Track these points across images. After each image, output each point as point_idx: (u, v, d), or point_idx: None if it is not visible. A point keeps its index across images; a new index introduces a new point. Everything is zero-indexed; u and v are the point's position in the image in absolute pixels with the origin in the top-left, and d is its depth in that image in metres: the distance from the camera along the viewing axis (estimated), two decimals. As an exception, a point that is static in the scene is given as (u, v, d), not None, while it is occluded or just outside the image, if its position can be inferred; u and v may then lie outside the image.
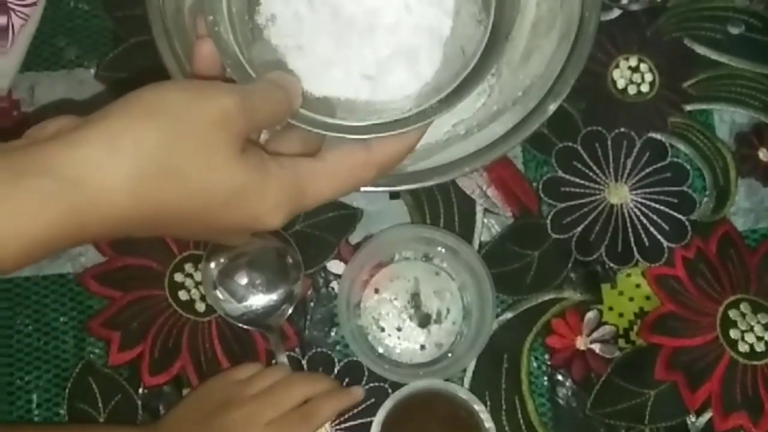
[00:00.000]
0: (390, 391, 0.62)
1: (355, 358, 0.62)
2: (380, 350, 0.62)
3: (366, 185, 0.46)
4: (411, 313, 0.63)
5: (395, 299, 0.64)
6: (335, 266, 0.64)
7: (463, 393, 0.58)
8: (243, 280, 0.62)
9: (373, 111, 0.50)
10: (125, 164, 0.37)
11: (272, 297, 0.62)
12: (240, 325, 0.62)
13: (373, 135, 0.45)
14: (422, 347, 0.63)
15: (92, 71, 0.67)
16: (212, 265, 0.62)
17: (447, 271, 0.64)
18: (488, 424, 0.58)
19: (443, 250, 0.63)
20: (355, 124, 0.46)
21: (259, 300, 0.62)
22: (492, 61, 0.48)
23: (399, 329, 0.63)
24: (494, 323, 0.63)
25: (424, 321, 0.63)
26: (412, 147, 0.47)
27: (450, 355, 0.62)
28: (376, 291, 0.64)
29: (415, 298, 0.64)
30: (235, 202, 0.40)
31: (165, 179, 0.38)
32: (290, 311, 0.62)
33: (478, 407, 0.58)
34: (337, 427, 0.61)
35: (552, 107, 0.56)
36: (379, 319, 0.63)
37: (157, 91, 0.40)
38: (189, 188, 0.39)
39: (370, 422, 0.60)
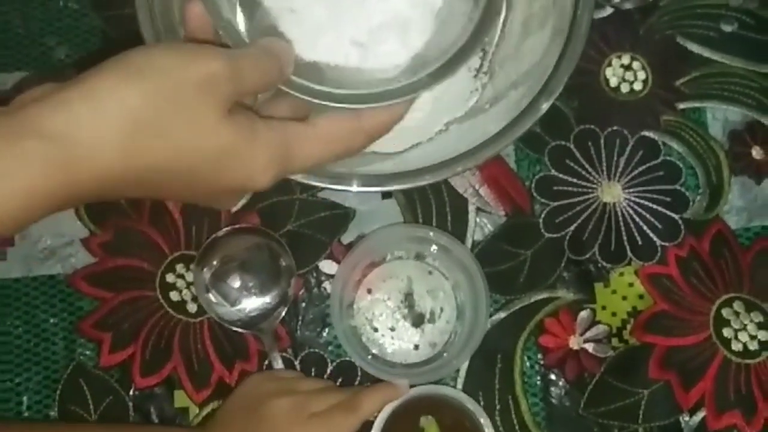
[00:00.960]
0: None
1: (348, 359, 0.62)
2: (374, 350, 0.62)
3: (354, 152, 0.47)
4: (404, 313, 0.63)
5: (388, 299, 0.63)
6: (327, 266, 0.64)
7: (471, 404, 0.58)
8: (236, 283, 0.62)
9: (363, 80, 0.50)
10: (111, 122, 0.37)
11: (266, 300, 0.62)
12: (234, 328, 0.61)
13: (363, 105, 0.45)
14: (416, 347, 0.63)
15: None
16: (204, 268, 0.62)
17: (440, 270, 0.64)
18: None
19: (436, 250, 0.62)
20: (346, 92, 0.46)
21: (252, 303, 0.62)
22: (482, 37, 0.48)
23: (392, 329, 0.63)
24: (487, 323, 0.62)
25: (417, 320, 0.63)
26: (401, 117, 0.47)
27: (444, 354, 0.62)
28: (369, 291, 0.63)
29: (408, 298, 0.63)
30: (224, 162, 0.40)
31: (152, 138, 0.38)
32: (284, 313, 0.62)
33: (485, 421, 0.58)
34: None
35: (545, 106, 0.56)
36: (372, 319, 0.63)
37: (145, 52, 0.40)
38: (176, 148, 0.39)
39: (364, 422, 0.60)
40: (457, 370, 0.62)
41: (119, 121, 0.37)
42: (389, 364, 0.62)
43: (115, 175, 0.38)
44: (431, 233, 0.61)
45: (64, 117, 0.36)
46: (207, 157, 0.40)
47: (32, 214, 0.37)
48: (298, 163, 0.44)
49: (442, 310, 0.63)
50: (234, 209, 0.64)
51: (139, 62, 0.39)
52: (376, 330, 0.63)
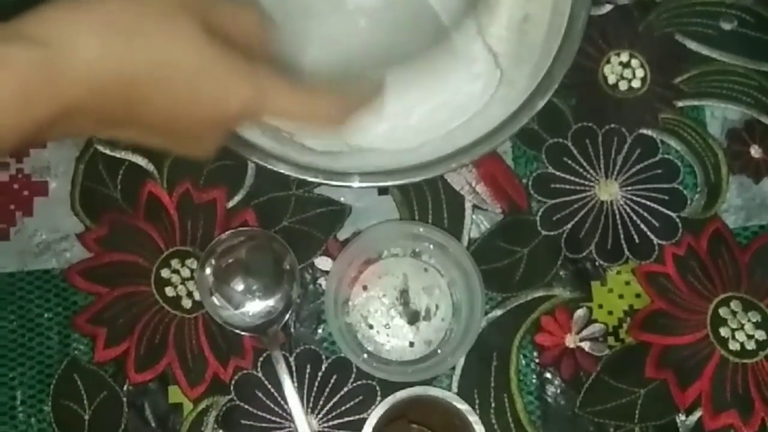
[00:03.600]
0: (378, 389, 0.61)
1: (343, 356, 0.62)
2: (369, 348, 0.62)
3: (330, 126, 0.47)
4: (400, 310, 0.63)
5: (384, 296, 0.63)
6: (323, 263, 0.64)
7: (459, 402, 0.58)
8: (239, 287, 0.62)
9: None
10: (90, 25, 0.38)
11: (269, 303, 0.62)
12: (238, 331, 0.61)
13: None
14: (411, 344, 0.63)
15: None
16: (207, 271, 0.62)
17: (436, 268, 0.63)
18: None
19: (432, 247, 0.62)
20: None
21: (255, 306, 0.62)
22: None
23: (387, 326, 0.62)
24: (483, 320, 0.62)
25: (412, 318, 0.63)
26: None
27: (439, 352, 0.62)
28: (365, 288, 0.63)
29: (403, 295, 0.63)
30: (203, 79, 0.40)
31: (130, 42, 0.38)
32: (288, 316, 0.62)
33: (473, 418, 0.58)
34: (325, 423, 0.61)
35: (540, 103, 0.56)
36: (368, 316, 0.63)
37: None
38: (156, 57, 0.39)
39: (358, 420, 0.60)
40: (453, 368, 0.62)
41: (97, 25, 0.38)
42: (384, 361, 0.62)
43: (96, 82, 0.38)
44: (427, 230, 0.61)
45: (45, 21, 0.37)
46: (187, 71, 0.40)
47: (20, 122, 0.37)
48: (271, 105, 0.43)
49: (437, 307, 0.63)
50: (229, 205, 0.64)
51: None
52: (371, 327, 0.63)
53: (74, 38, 0.37)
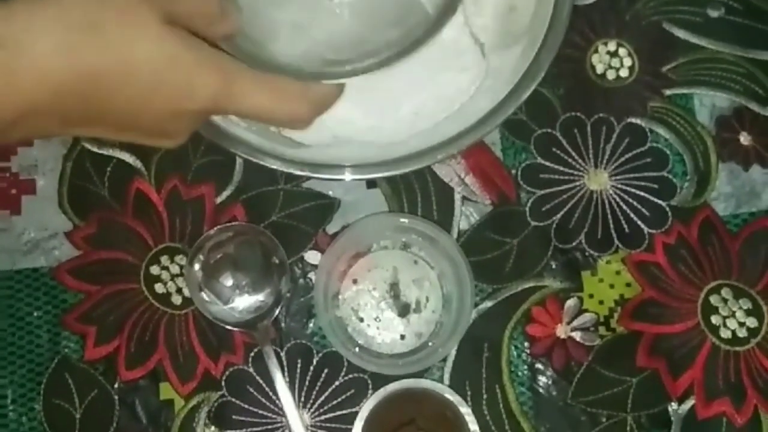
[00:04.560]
0: (370, 382, 0.61)
1: (334, 350, 0.62)
2: (360, 341, 0.62)
3: (295, 120, 0.47)
4: (390, 303, 0.63)
5: (374, 289, 0.63)
6: (312, 257, 0.63)
7: (450, 394, 0.58)
8: (228, 282, 0.62)
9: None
10: (49, 22, 0.37)
11: (259, 297, 0.62)
12: (228, 327, 0.61)
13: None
14: (402, 337, 0.62)
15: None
16: (196, 267, 0.61)
17: (425, 260, 0.63)
18: (473, 426, 0.57)
19: (421, 239, 0.62)
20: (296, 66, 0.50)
21: (245, 301, 0.62)
22: (437, 28, 0.48)
23: (378, 319, 0.62)
24: (474, 312, 0.62)
25: (403, 310, 0.63)
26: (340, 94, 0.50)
27: (430, 344, 0.61)
28: (354, 281, 0.63)
29: (393, 288, 0.63)
30: (166, 73, 0.40)
31: (90, 38, 0.38)
32: (278, 311, 0.61)
33: (465, 410, 0.57)
34: (317, 417, 0.61)
35: (527, 92, 0.56)
36: (358, 309, 0.62)
37: None
38: (117, 52, 0.39)
39: (350, 413, 0.60)
40: (444, 360, 0.62)
41: (53, 23, 0.37)
42: (375, 354, 0.62)
43: (54, 82, 0.37)
44: (416, 222, 0.61)
45: (5, 21, 0.37)
46: (148, 65, 0.39)
47: None
48: (237, 100, 0.43)
49: (428, 299, 0.63)
50: (218, 201, 0.64)
51: None
52: (361, 320, 0.62)
53: (30, 38, 0.37)
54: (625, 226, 0.64)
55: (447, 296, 0.62)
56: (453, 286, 0.61)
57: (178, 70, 0.40)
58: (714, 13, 0.68)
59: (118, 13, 0.39)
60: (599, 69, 0.67)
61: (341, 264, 0.62)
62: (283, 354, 0.62)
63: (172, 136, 0.44)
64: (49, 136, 0.59)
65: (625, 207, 0.64)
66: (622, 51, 0.67)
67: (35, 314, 0.62)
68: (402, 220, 0.62)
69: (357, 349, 0.61)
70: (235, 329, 0.61)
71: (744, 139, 0.66)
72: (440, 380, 0.61)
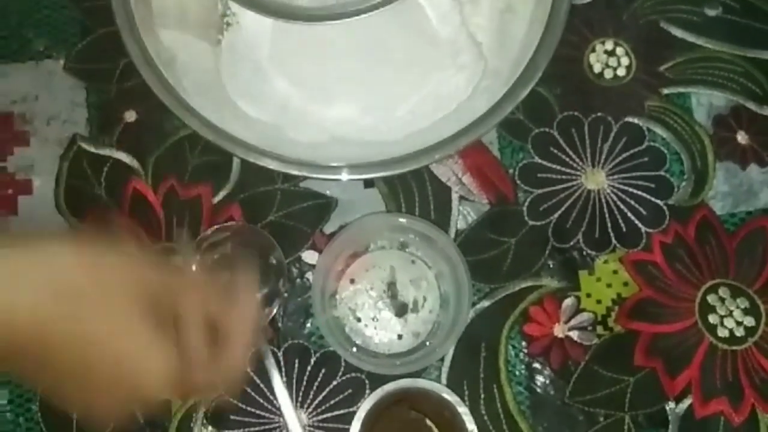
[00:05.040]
0: (367, 382, 0.61)
1: (331, 350, 0.62)
2: (357, 341, 0.62)
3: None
4: (387, 303, 0.63)
5: (371, 289, 0.63)
6: (310, 257, 0.63)
7: (448, 394, 0.58)
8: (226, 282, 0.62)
9: None
10: (28, 273, 0.38)
11: (256, 297, 0.62)
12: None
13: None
14: (399, 337, 0.62)
15: (61, 62, 0.67)
16: (193, 267, 0.61)
17: (423, 260, 0.63)
18: (471, 426, 0.57)
19: (418, 239, 0.62)
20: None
21: None
22: None
23: (375, 319, 0.62)
24: (471, 311, 0.62)
25: (400, 310, 0.63)
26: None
27: (428, 344, 0.61)
28: (352, 281, 0.63)
29: (391, 288, 0.63)
30: (129, 362, 0.41)
31: (67, 311, 0.39)
32: (275, 310, 0.61)
33: (462, 409, 0.57)
34: (315, 417, 0.61)
35: (524, 92, 0.56)
36: (356, 309, 0.62)
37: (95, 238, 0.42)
38: (81, 322, 0.39)
39: (348, 413, 0.60)
40: (441, 360, 0.62)
41: (34, 275, 0.39)
42: (373, 354, 0.62)
43: (8, 328, 0.38)
44: (413, 222, 0.61)
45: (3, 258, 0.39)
46: (110, 349, 0.40)
47: None
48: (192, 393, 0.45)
49: (425, 299, 0.63)
50: (215, 201, 0.64)
51: (89, 244, 0.41)
52: (359, 320, 0.62)
53: (7, 290, 0.38)
54: (623, 225, 0.64)
55: (444, 296, 0.62)
56: (450, 285, 0.61)
57: (136, 360, 0.41)
58: (711, 12, 0.68)
59: (100, 288, 0.40)
60: (597, 68, 0.67)
61: (338, 264, 0.62)
62: (280, 354, 0.62)
63: (107, 414, 0.45)
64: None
65: (622, 206, 0.64)
66: (619, 50, 0.67)
67: (32, 314, 0.62)
68: (400, 219, 0.62)
69: (354, 349, 0.61)
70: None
71: (741, 138, 0.66)
72: (438, 380, 0.61)
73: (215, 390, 0.51)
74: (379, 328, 0.62)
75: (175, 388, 0.43)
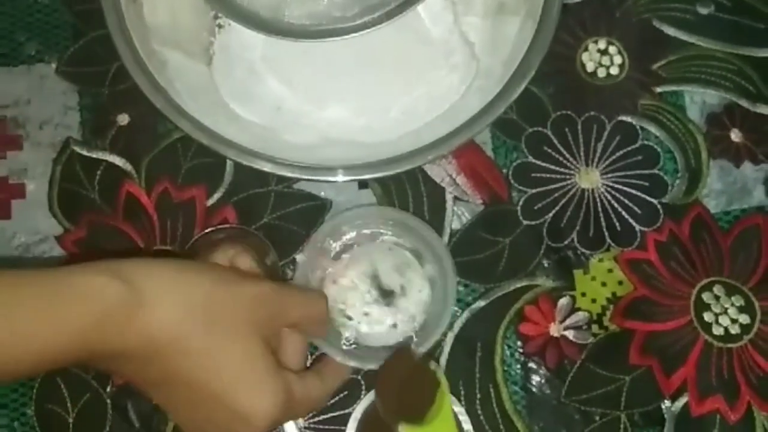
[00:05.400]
0: (363, 383, 0.61)
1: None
2: (352, 339, 0.61)
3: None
4: (375, 296, 0.61)
5: (356, 285, 0.61)
6: (305, 258, 0.63)
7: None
8: None
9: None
10: (179, 294, 0.44)
11: None
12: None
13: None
14: (394, 325, 0.60)
15: (53, 66, 0.66)
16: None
17: (400, 245, 0.62)
18: (466, 426, 0.58)
19: (390, 226, 0.61)
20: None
21: None
22: None
23: (367, 314, 0.61)
24: (466, 311, 0.62)
25: (389, 299, 0.61)
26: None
27: (418, 329, 0.60)
28: (334, 282, 0.62)
29: (375, 280, 0.62)
30: (239, 388, 0.45)
31: (200, 324, 0.44)
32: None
33: (458, 409, 0.57)
34: (311, 419, 0.61)
35: (517, 91, 0.56)
36: (345, 309, 0.62)
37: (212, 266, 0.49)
38: (213, 346, 0.44)
39: (344, 414, 0.60)
40: (437, 359, 0.62)
41: (184, 296, 0.44)
42: (373, 349, 0.61)
43: (156, 341, 0.43)
44: (381, 211, 0.62)
45: (143, 272, 0.44)
46: (229, 377, 0.44)
47: (78, 355, 0.42)
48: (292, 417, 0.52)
49: (411, 282, 0.61)
50: (209, 203, 0.64)
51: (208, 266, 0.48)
52: (350, 318, 0.62)
53: (160, 297, 0.43)
54: (617, 224, 0.64)
55: (429, 274, 0.61)
56: (432, 264, 0.60)
57: (249, 394, 0.45)
58: (704, 10, 0.68)
59: (234, 317, 0.45)
60: (590, 67, 0.67)
61: (317, 272, 0.61)
62: (275, 356, 0.62)
63: None
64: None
65: (616, 205, 0.64)
66: (612, 49, 0.67)
67: (26, 319, 0.62)
68: (367, 211, 0.62)
69: (353, 347, 0.60)
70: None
71: (735, 135, 0.66)
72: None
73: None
74: (372, 323, 0.61)
75: (277, 423, 0.47)
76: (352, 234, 0.63)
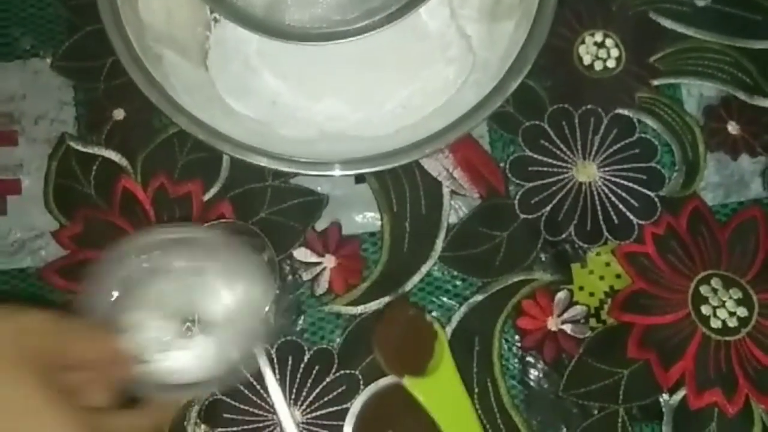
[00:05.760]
0: (360, 378, 0.61)
1: (324, 346, 0.61)
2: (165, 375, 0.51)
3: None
4: (171, 329, 0.53)
5: (142, 326, 0.52)
6: (301, 254, 0.63)
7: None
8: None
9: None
10: None
11: None
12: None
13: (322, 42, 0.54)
14: (199, 355, 0.53)
15: (48, 61, 0.66)
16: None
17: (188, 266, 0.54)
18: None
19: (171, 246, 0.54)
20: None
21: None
22: None
23: (164, 351, 0.52)
24: (464, 306, 0.62)
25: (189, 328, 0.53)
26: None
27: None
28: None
29: (164, 313, 0.53)
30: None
31: None
32: (267, 308, 0.61)
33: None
34: (309, 414, 0.60)
35: (513, 85, 0.56)
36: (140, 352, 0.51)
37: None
38: None
39: (342, 409, 0.60)
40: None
41: None
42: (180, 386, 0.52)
43: None
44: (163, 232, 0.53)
45: None
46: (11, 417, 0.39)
47: None
48: None
49: (203, 301, 0.54)
50: (205, 198, 0.64)
51: None
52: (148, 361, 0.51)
53: None
54: (614, 217, 0.64)
55: (228, 285, 0.54)
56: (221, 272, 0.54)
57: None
58: (701, 2, 0.68)
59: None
60: (586, 60, 0.67)
61: (117, 317, 0.52)
62: (273, 351, 0.61)
63: None
64: None
65: (613, 198, 0.64)
66: (609, 42, 0.67)
67: (23, 315, 0.62)
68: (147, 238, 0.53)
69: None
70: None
71: (732, 128, 0.66)
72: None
73: None
74: (173, 359, 0.52)
75: None
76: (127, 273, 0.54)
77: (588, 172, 0.65)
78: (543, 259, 0.63)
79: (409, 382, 0.57)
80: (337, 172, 0.56)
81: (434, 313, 0.62)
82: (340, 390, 0.61)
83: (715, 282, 0.63)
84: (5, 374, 0.39)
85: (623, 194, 0.64)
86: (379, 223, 0.64)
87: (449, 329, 0.62)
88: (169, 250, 0.53)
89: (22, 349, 0.40)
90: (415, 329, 0.59)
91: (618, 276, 0.63)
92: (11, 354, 0.40)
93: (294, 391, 0.61)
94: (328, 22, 0.56)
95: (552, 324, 0.62)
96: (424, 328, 0.59)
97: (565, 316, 0.62)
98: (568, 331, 0.62)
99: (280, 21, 0.56)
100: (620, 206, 0.64)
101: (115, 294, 0.52)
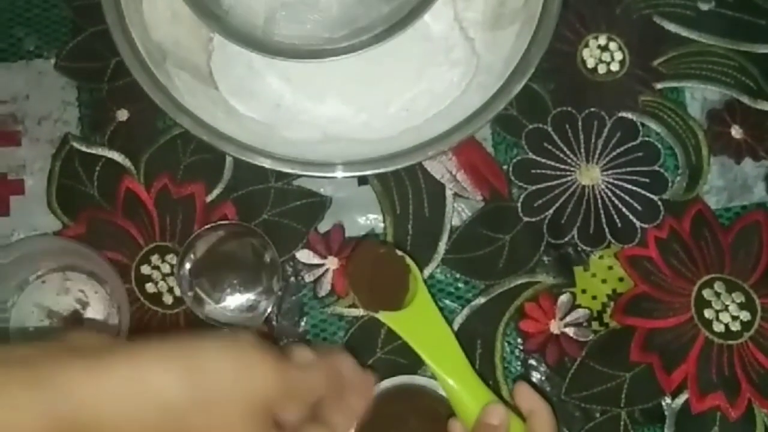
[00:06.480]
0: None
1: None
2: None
3: None
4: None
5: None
6: (304, 255, 0.63)
7: (443, 390, 0.57)
8: (219, 281, 0.61)
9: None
10: (138, 401, 0.36)
11: (250, 296, 0.62)
12: (219, 326, 0.61)
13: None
14: None
15: (52, 61, 0.66)
16: (187, 266, 0.61)
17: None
18: None
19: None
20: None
21: (236, 300, 0.61)
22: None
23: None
24: (467, 308, 0.62)
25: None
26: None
27: None
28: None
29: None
30: None
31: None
32: (269, 309, 0.61)
33: None
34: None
35: (517, 87, 0.56)
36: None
37: (200, 345, 0.38)
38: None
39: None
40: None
41: (146, 404, 0.36)
42: None
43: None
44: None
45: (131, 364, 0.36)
46: None
47: None
48: None
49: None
50: (208, 199, 0.64)
51: (190, 350, 0.37)
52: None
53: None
54: (617, 220, 0.64)
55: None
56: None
57: None
58: (705, 6, 0.68)
59: (207, 409, 0.37)
60: (590, 63, 0.67)
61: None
62: (275, 353, 0.61)
63: None
64: None
65: (617, 201, 0.64)
66: (612, 45, 0.67)
67: (25, 316, 0.62)
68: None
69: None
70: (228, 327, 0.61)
71: (736, 132, 0.66)
72: (434, 377, 0.61)
73: None
74: None
75: None
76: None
77: (591, 176, 0.65)
78: (546, 262, 0.63)
79: (384, 317, 0.57)
80: (340, 174, 0.56)
81: (437, 316, 0.62)
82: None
83: (718, 286, 0.63)
84: (230, 424, 0.38)
85: (626, 197, 0.64)
86: (382, 225, 0.64)
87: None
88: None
89: (252, 405, 0.39)
90: (387, 265, 0.59)
91: (621, 279, 0.63)
92: (238, 409, 0.38)
93: (296, 392, 0.61)
94: (317, 39, 0.56)
95: (554, 327, 0.62)
96: (397, 264, 0.59)
97: (568, 319, 0.62)
98: (571, 334, 0.62)
99: (271, 37, 0.56)
100: (623, 209, 0.64)
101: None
